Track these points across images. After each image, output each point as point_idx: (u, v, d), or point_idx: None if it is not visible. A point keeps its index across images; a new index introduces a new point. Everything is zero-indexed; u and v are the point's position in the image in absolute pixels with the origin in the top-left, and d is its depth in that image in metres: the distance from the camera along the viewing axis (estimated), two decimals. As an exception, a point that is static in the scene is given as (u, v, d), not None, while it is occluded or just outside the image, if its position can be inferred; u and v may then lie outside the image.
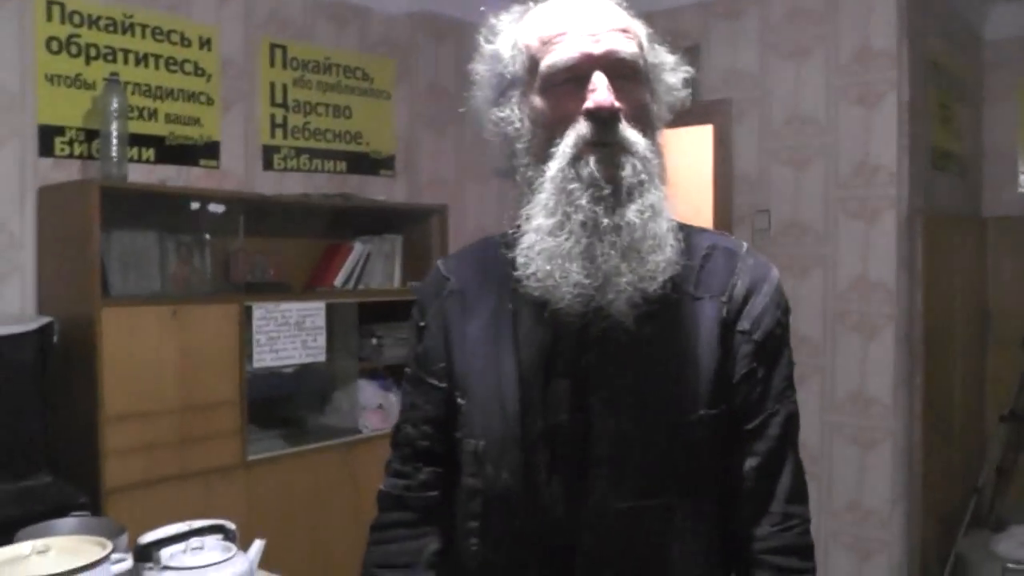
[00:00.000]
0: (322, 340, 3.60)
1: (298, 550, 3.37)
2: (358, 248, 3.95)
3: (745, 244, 1.23)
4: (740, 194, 4.19)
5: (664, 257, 1.09)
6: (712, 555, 1.16)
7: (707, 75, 4.25)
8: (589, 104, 1.08)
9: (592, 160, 1.08)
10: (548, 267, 1.08)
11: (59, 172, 3.23)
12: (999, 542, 3.94)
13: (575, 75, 1.10)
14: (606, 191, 1.07)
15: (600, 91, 1.08)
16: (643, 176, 1.09)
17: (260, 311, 3.37)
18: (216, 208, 3.25)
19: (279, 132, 3.93)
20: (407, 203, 4.32)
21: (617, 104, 1.08)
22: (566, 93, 1.10)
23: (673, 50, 1.23)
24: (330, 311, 3.65)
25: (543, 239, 1.09)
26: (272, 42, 3.90)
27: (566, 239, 1.08)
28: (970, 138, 4.65)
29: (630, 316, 1.08)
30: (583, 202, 1.07)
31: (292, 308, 3.48)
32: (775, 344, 1.16)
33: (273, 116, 3.91)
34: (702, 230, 1.24)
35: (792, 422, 1.17)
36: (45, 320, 2.93)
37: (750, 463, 1.14)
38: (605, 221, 1.07)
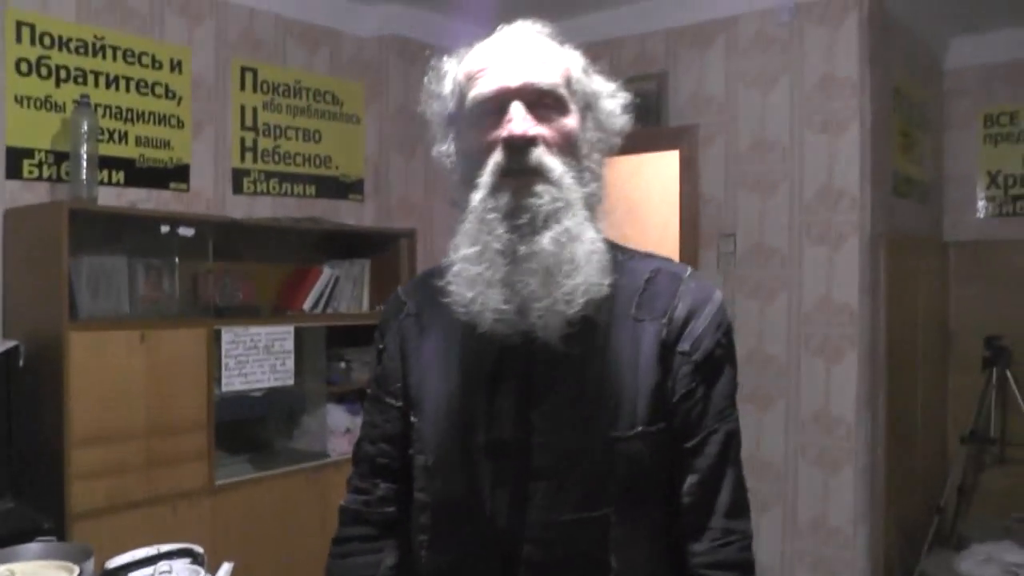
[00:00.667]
0: (291, 364, 3.59)
1: (265, 575, 3.35)
2: (327, 272, 3.96)
3: (689, 269, 1.26)
4: (706, 218, 4.24)
5: (581, 280, 1.12)
6: (656, 566, 1.20)
7: (674, 101, 4.32)
8: (504, 133, 1.13)
9: (509, 189, 1.13)
10: (470, 294, 1.15)
11: (27, 194, 3.22)
12: (961, 561, 4.00)
13: (495, 107, 1.16)
14: (522, 220, 1.12)
15: (515, 120, 1.13)
16: (559, 204, 1.13)
17: (229, 335, 3.36)
18: (186, 231, 3.25)
19: (249, 155, 3.94)
20: (376, 227, 4.34)
21: (531, 133, 1.13)
22: (489, 125, 1.16)
23: (613, 78, 1.28)
24: (299, 335, 3.65)
25: (466, 267, 1.15)
26: (243, 65, 3.91)
27: (486, 267, 1.14)
28: (931, 164, 4.76)
29: (556, 337, 1.14)
30: (500, 231, 1.13)
31: (261, 332, 3.48)
32: (715, 364, 1.20)
33: (243, 139, 3.92)
34: (648, 255, 1.28)
35: (732, 439, 1.20)
36: (10, 344, 2.91)
37: (690, 479, 1.18)
38: (521, 249, 1.12)
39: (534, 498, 1.16)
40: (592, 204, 1.19)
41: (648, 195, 5.91)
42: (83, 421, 2.92)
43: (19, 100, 3.21)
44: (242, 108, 3.92)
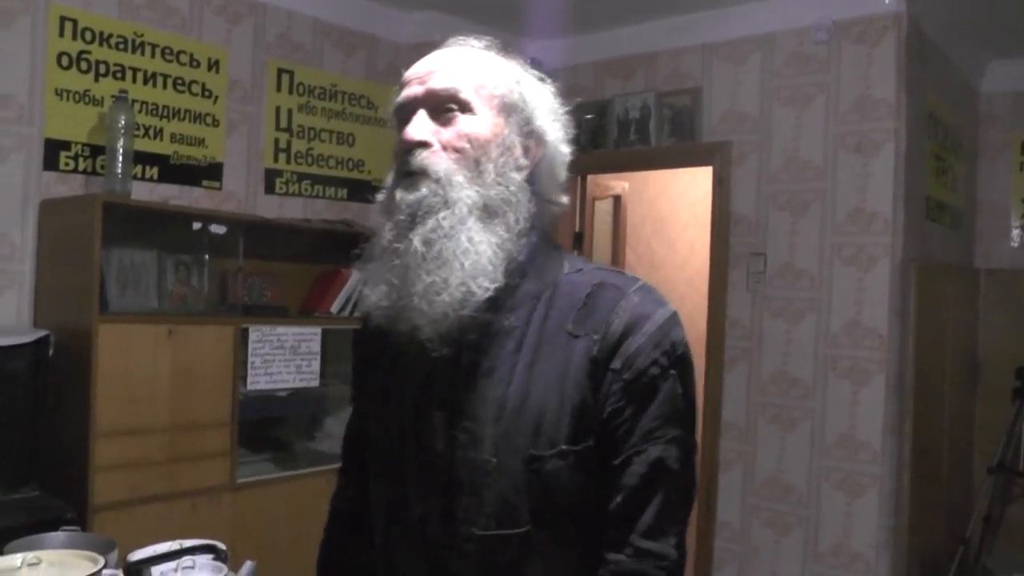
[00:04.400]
0: (316, 365, 3.60)
1: (282, 575, 3.35)
2: (355, 276, 3.96)
3: (639, 283, 1.21)
4: (737, 236, 4.22)
5: (440, 278, 1.12)
6: None
7: (708, 117, 4.31)
8: (403, 137, 1.19)
9: (398, 189, 1.18)
10: (366, 290, 1.20)
11: (62, 186, 3.25)
12: (985, 593, 3.95)
13: (406, 115, 1.21)
14: (401, 216, 1.15)
15: (410, 125, 1.18)
16: (435, 200, 1.14)
17: (256, 334, 3.37)
18: (218, 229, 3.27)
19: (282, 156, 3.96)
20: (406, 231, 4.33)
21: (418, 137, 1.16)
22: (401, 132, 1.21)
23: (551, 83, 1.30)
24: (325, 337, 3.65)
25: (369, 264, 1.20)
26: (280, 66, 3.94)
27: (376, 264, 1.18)
28: (964, 190, 4.72)
29: (432, 334, 1.14)
30: (387, 227, 1.17)
31: (288, 332, 3.49)
32: (648, 384, 1.14)
33: (277, 140, 3.94)
34: (597, 268, 1.24)
35: (662, 464, 1.13)
36: (41, 333, 2.93)
37: (616, 499, 1.14)
38: (397, 245, 1.15)
39: (457, 512, 1.17)
40: (495, 207, 1.17)
41: (676, 211, 5.91)
42: (108, 413, 2.93)
43: (59, 93, 3.25)
44: (277, 109, 3.94)
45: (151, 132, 3.49)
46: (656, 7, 4.22)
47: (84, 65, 3.31)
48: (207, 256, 3.45)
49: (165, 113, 3.54)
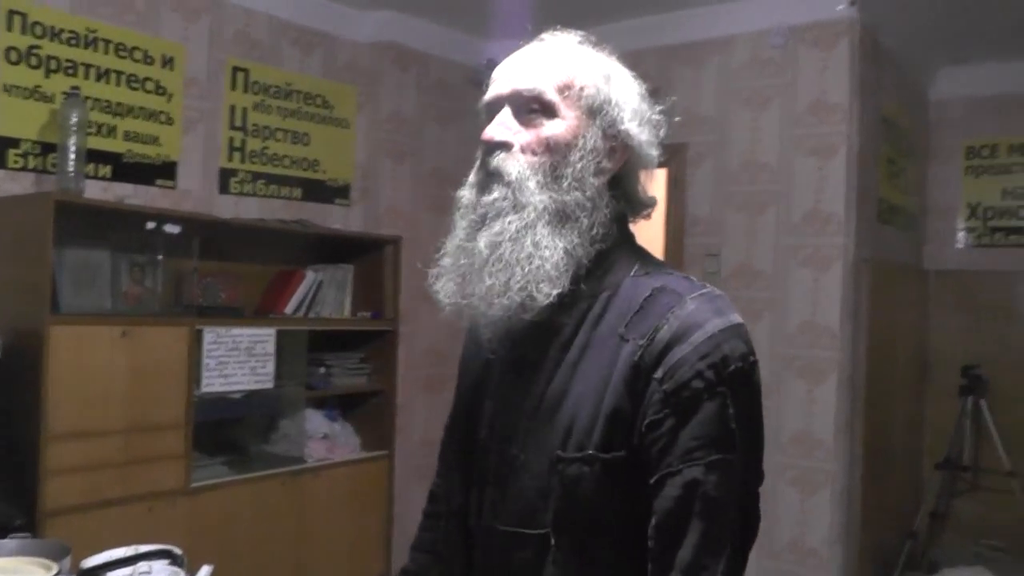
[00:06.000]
0: (271, 367, 3.56)
1: (239, 579, 3.32)
2: (310, 276, 3.93)
3: (704, 290, 1.15)
4: (692, 236, 4.26)
5: (500, 281, 1.12)
6: None
7: (666, 119, 4.33)
8: (482, 136, 1.19)
9: (475, 188, 1.19)
10: (438, 285, 1.21)
11: (11, 184, 3.18)
12: (934, 586, 4.04)
13: (491, 112, 1.21)
14: (474, 217, 1.17)
15: (491, 125, 1.18)
16: (505, 204, 1.14)
17: (211, 335, 3.33)
18: (173, 228, 3.21)
19: (237, 156, 3.91)
20: (363, 233, 4.31)
21: (498, 138, 1.16)
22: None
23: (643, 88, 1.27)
24: (280, 338, 3.62)
25: (444, 259, 1.22)
26: (236, 64, 3.89)
27: (448, 259, 1.20)
28: (916, 193, 4.81)
29: (491, 334, 1.16)
30: (462, 225, 1.19)
31: (243, 333, 3.45)
32: (690, 398, 1.06)
33: (232, 139, 3.89)
34: (667, 273, 1.19)
35: (699, 488, 1.04)
36: (-10, 335, 2.86)
37: (652, 521, 1.07)
38: (467, 244, 1.16)
39: (486, 504, 1.19)
40: (569, 212, 1.14)
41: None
42: (61, 416, 2.87)
43: (7, 89, 3.17)
44: (232, 108, 3.89)
45: (104, 130, 3.43)
46: (615, 9, 4.23)
47: (34, 60, 3.24)
48: (161, 256, 3.39)
49: (119, 110, 3.47)
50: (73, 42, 3.34)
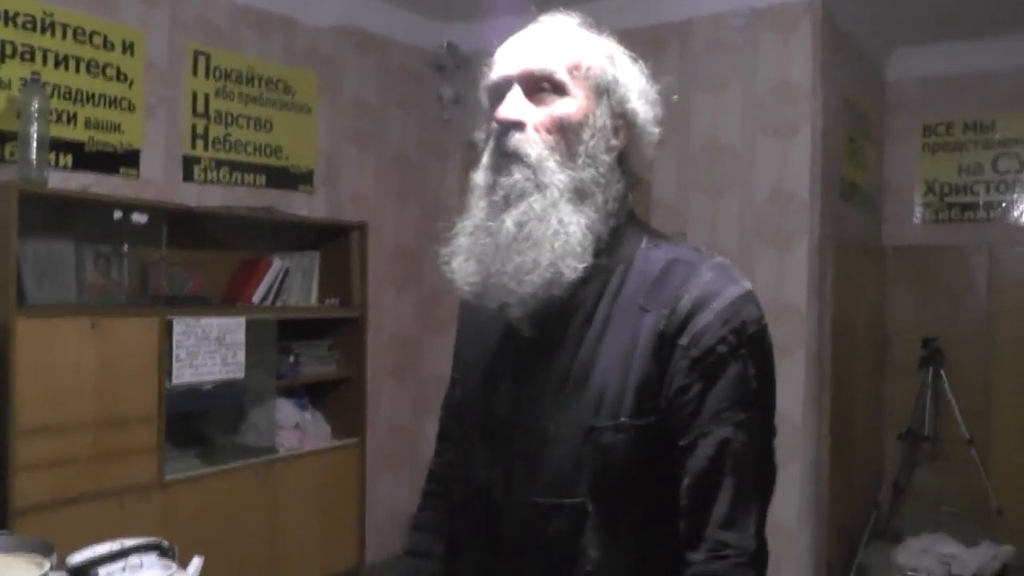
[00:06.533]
0: (241, 356, 3.52)
1: (215, 572, 3.27)
2: (277, 263, 3.89)
3: (715, 260, 1.20)
4: (657, 218, 4.28)
5: (530, 259, 1.14)
6: (644, 565, 1.17)
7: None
8: (496, 116, 1.19)
9: (492, 168, 1.19)
10: (454, 264, 1.22)
11: (-31, 175, 3.09)
12: (898, 553, 4.13)
13: (499, 93, 1.21)
14: (496, 196, 1.17)
15: (504, 105, 1.18)
16: (528, 184, 1.15)
17: (181, 325, 3.27)
18: (140, 218, 3.15)
19: (200, 143, 3.84)
20: (329, 219, 4.27)
21: (513, 117, 1.17)
22: (494, 110, 1.21)
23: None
24: (248, 327, 3.57)
25: (457, 239, 1.23)
26: (196, 49, 3.82)
27: (468, 240, 1.21)
28: (873, 172, 4.90)
29: (519, 314, 1.17)
30: (481, 205, 1.19)
31: (213, 323, 3.40)
32: (716, 362, 1.12)
33: (195, 126, 3.82)
34: (675, 245, 1.25)
35: (729, 447, 1.11)
36: (-47, 330, 2.78)
37: (685, 481, 1.13)
38: (490, 224, 1.17)
39: (516, 478, 1.20)
40: (586, 188, 1.18)
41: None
42: (29, 411, 2.81)
43: (-38, 76, 3.08)
44: (194, 94, 3.82)
45: (64, 117, 3.34)
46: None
47: (-11, 47, 3.15)
48: (127, 246, 3.32)
49: (79, 97, 3.39)
50: (29, 26, 3.25)
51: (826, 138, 3.99)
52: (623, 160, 1.24)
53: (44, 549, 1.86)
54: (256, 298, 3.79)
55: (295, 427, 3.90)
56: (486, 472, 1.24)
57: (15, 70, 3.19)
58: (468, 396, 1.33)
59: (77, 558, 1.85)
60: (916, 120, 4.97)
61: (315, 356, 4.04)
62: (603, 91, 1.22)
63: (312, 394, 4.12)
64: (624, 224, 1.23)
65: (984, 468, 4.35)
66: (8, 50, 3.20)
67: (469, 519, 1.29)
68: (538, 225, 1.14)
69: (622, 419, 1.13)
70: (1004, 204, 4.77)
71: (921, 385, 4.56)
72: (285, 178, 4.24)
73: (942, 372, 4.53)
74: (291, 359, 3.92)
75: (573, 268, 1.14)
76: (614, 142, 1.22)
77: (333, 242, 4.15)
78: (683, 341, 1.12)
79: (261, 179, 4.13)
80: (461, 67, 4.79)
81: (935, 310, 4.77)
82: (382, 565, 4.31)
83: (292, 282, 3.96)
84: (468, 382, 1.34)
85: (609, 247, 1.20)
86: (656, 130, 1.27)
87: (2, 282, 2.80)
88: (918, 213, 4.99)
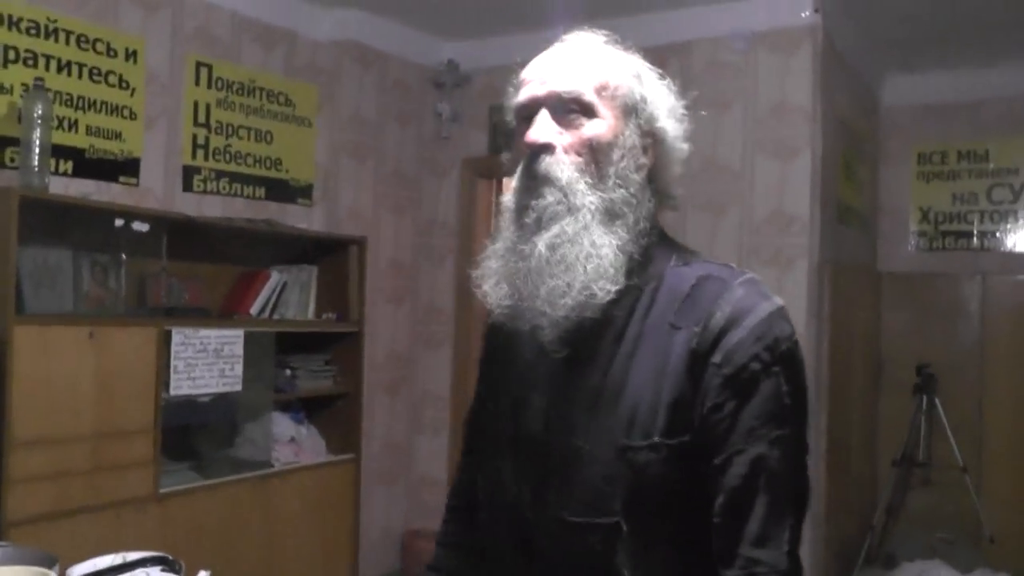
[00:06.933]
0: (239, 369, 3.47)
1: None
2: (275, 276, 3.85)
3: (746, 276, 1.19)
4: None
5: (563, 283, 1.13)
6: None
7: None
8: (525, 139, 1.18)
9: (524, 191, 1.18)
10: (486, 287, 1.22)
11: (-32, 180, 3.04)
12: (894, 579, 4.13)
13: (527, 115, 1.20)
14: (527, 219, 1.17)
15: (533, 128, 1.18)
16: (560, 207, 1.15)
17: (179, 336, 3.23)
18: (141, 226, 3.11)
19: (200, 153, 3.81)
20: (329, 233, 4.24)
21: (542, 140, 1.17)
22: (523, 132, 1.20)
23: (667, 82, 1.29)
24: (246, 340, 3.53)
25: (488, 262, 1.23)
26: (198, 60, 3.79)
27: (499, 263, 1.20)
28: (868, 195, 4.93)
29: (551, 337, 1.17)
30: (512, 229, 1.19)
31: (211, 335, 3.35)
32: (749, 379, 1.11)
33: (195, 136, 3.79)
34: (705, 261, 1.24)
35: (764, 464, 1.09)
36: (-51, 336, 2.73)
37: (719, 499, 1.11)
38: (522, 247, 1.16)
39: (549, 496, 1.18)
40: (616, 210, 1.17)
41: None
42: (26, 421, 2.76)
43: (-36, 81, 3.04)
44: (195, 104, 3.79)
45: (66, 124, 3.30)
46: (575, 12, 4.24)
47: (-8, 51, 3.11)
48: (125, 255, 3.28)
49: (80, 104, 3.35)
50: (33, 32, 3.22)
51: (826, 160, 4.01)
52: (652, 178, 1.23)
53: (47, 562, 1.81)
54: (253, 311, 3.75)
55: (291, 441, 3.86)
56: (516, 488, 1.23)
57: (17, 75, 3.16)
58: (498, 412, 1.32)
59: (79, 571, 1.81)
60: (910, 146, 5.02)
61: (312, 370, 4.00)
62: (631, 110, 1.21)
63: (309, 408, 4.07)
64: (654, 242, 1.23)
65: (977, 495, 4.36)
66: (11, 55, 3.16)
67: (500, 534, 1.28)
68: (571, 248, 1.14)
69: (655, 438, 1.12)
70: (998, 233, 4.81)
71: (915, 411, 4.58)
72: (284, 191, 4.22)
73: (936, 399, 4.54)
74: (288, 373, 3.88)
75: (606, 290, 1.14)
76: (643, 161, 1.21)
77: (331, 256, 4.12)
78: (716, 359, 1.11)
79: (260, 191, 4.10)
80: (460, 85, 4.79)
81: (929, 336, 4.80)
82: (376, 582, 4.26)
83: (289, 295, 3.93)
84: (498, 398, 1.33)
85: (640, 266, 1.19)
86: (685, 146, 1.27)
87: (0, 289, 2.75)
88: (912, 241, 5.02)
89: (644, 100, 1.22)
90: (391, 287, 4.64)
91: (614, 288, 1.14)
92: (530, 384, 1.24)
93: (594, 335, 1.18)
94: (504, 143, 1.32)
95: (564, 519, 1.16)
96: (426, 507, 4.77)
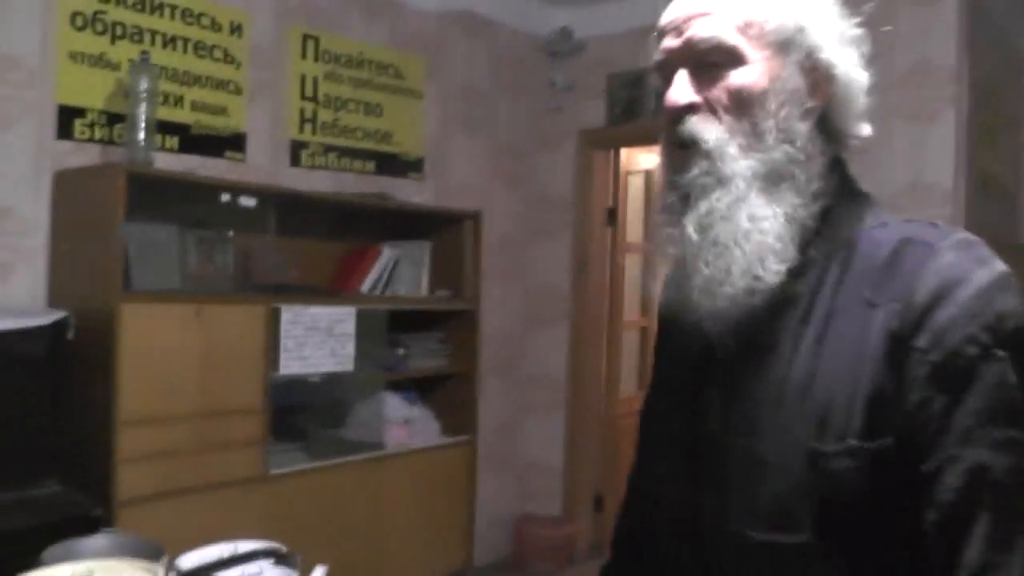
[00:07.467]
0: (351, 348, 3.37)
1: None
2: (387, 253, 3.75)
3: (957, 236, 0.95)
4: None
5: (720, 269, 0.96)
6: None
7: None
8: (664, 103, 1.02)
9: (670, 164, 1.03)
10: (654, 288, 1.15)
11: (78, 156, 3.02)
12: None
13: (667, 75, 1.03)
14: (671, 199, 1.02)
15: (671, 89, 1.01)
16: (708, 180, 0.97)
17: (289, 314, 3.15)
18: (248, 202, 3.04)
19: (308, 127, 3.73)
20: (444, 207, 4.10)
21: (682, 101, 0.99)
22: (664, 92, 1.04)
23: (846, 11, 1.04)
24: (357, 318, 3.43)
25: (655, 255, 1.10)
26: (305, 32, 3.70)
27: (655, 247, 1.07)
28: (1011, 164, 4.52)
29: (719, 329, 1.00)
30: (660, 211, 1.04)
31: (322, 312, 3.26)
32: (964, 367, 0.88)
33: (303, 110, 3.71)
34: (906, 222, 1.00)
35: (986, 474, 0.87)
36: (60, 314, 2.70)
37: (930, 516, 0.90)
38: (671, 231, 1.01)
39: (726, 506, 1.00)
40: (781, 171, 0.97)
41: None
42: (133, 400, 2.71)
43: (73, 56, 3.01)
44: (303, 77, 3.70)
45: (171, 99, 3.26)
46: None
47: (100, 26, 3.07)
48: (231, 232, 3.22)
49: (186, 79, 3.30)
50: (139, 7, 3.17)
51: (970, 124, 3.67)
52: (826, 121, 1.01)
53: (153, 552, 1.73)
54: (364, 288, 3.66)
55: (403, 423, 3.75)
56: (689, 493, 1.05)
57: (124, 51, 3.12)
58: (671, 408, 1.13)
59: (187, 563, 1.72)
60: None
61: (426, 349, 3.89)
62: (787, 45, 0.99)
63: (421, 388, 3.97)
64: (839, 201, 1.01)
65: None
66: (118, 31, 3.12)
67: (674, 540, 1.10)
68: (724, 226, 0.96)
69: (852, 441, 0.92)
70: None
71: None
72: (395, 164, 4.11)
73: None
74: (400, 352, 3.77)
75: (775, 271, 0.96)
76: (810, 104, 1.00)
77: (443, 231, 3.99)
78: (921, 343, 0.89)
79: (370, 165, 4.00)
80: (575, 53, 4.59)
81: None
82: (489, 568, 4.15)
83: (401, 272, 3.82)
84: (670, 393, 1.15)
85: (822, 233, 0.99)
86: (864, 74, 1.03)
87: (107, 267, 2.71)
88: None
89: (801, 29, 1.00)
90: (501, 264, 4.50)
91: (784, 266, 0.96)
92: (704, 377, 1.06)
93: (775, 316, 0.98)
94: (656, 109, 1.11)
95: (745, 535, 0.97)
96: (535, 492, 4.64)
